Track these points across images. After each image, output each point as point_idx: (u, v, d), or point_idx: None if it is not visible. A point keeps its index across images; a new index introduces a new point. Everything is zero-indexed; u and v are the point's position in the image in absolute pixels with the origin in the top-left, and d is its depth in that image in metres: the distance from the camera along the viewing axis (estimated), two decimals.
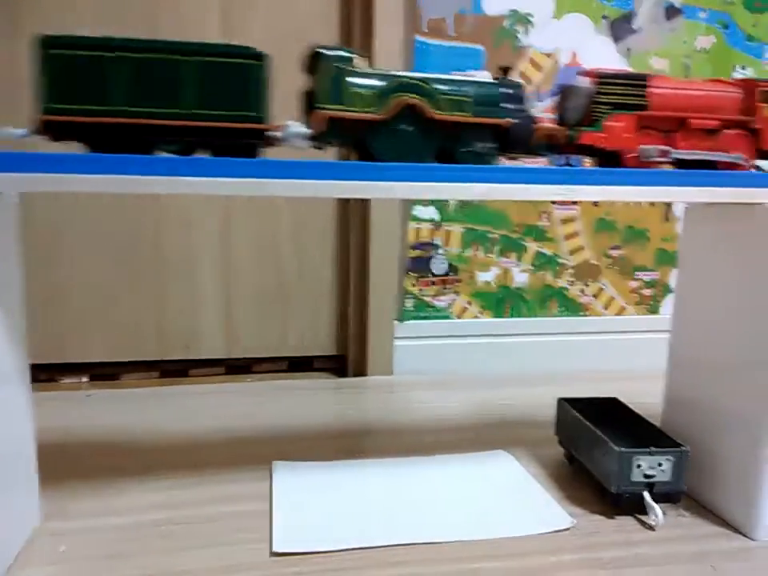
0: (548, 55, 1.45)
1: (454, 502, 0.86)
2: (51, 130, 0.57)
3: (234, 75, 0.60)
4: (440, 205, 1.43)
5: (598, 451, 0.84)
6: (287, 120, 0.65)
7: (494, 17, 1.40)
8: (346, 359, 1.48)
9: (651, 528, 0.82)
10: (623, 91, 0.72)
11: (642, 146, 0.73)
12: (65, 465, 0.94)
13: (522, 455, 1.00)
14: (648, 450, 0.80)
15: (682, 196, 0.75)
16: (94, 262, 1.33)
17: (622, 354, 1.58)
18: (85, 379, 1.38)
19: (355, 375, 1.46)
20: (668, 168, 0.75)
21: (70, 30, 0.59)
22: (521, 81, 0.72)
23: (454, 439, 1.07)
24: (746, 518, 0.80)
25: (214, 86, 0.60)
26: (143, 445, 1.02)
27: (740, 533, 0.81)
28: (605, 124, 0.71)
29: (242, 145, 0.61)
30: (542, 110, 1.41)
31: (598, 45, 1.49)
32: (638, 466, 0.81)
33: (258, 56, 0.61)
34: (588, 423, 0.87)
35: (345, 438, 1.08)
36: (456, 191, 0.68)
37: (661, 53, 1.54)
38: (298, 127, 0.63)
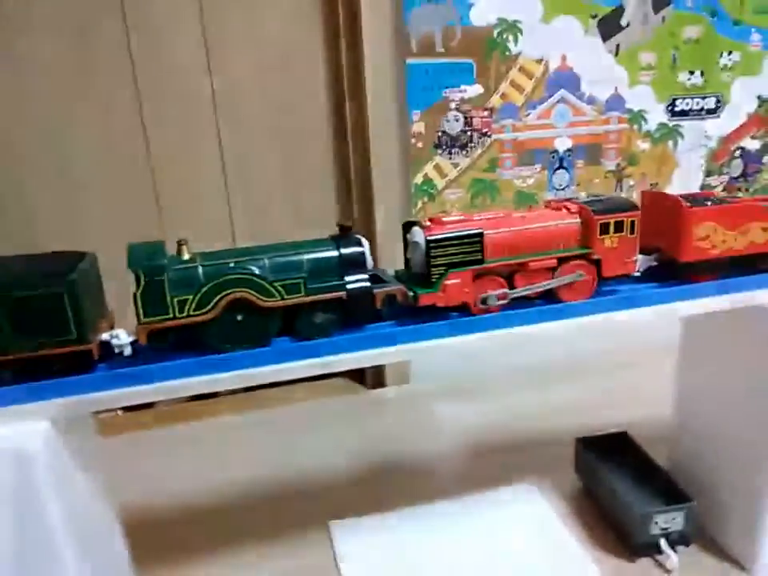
0: (538, 61, 1.39)
1: (495, 555, 0.89)
2: None
3: (46, 304, 0.60)
4: None
5: (620, 507, 0.91)
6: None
7: (482, 28, 1.34)
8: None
9: (668, 571, 0.87)
10: (458, 250, 0.68)
11: (481, 295, 0.69)
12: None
13: (544, 483, 1.02)
14: (665, 508, 0.87)
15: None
16: None
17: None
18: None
19: (373, 385, 1.44)
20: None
21: None
22: (359, 239, 0.68)
23: (484, 469, 1.08)
24: (750, 556, 0.86)
25: (30, 316, 0.60)
26: (191, 507, 1.01)
27: (745, 569, 0.87)
28: (443, 283, 0.67)
29: (69, 364, 0.61)
30: (536, 117, 1.36)
31: (587, 45, 1.43)
32: (656, 523, 0.86)
33: (65, 282, 0.60)
34: (608, 476, 0.94)
35: (379, 477, 1.08)
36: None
37: (649, 46, 1.46)
38: (122, 339, 0.62)
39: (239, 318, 0.65)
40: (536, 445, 1.13)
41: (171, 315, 0.64)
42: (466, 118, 1.37)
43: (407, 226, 0.72)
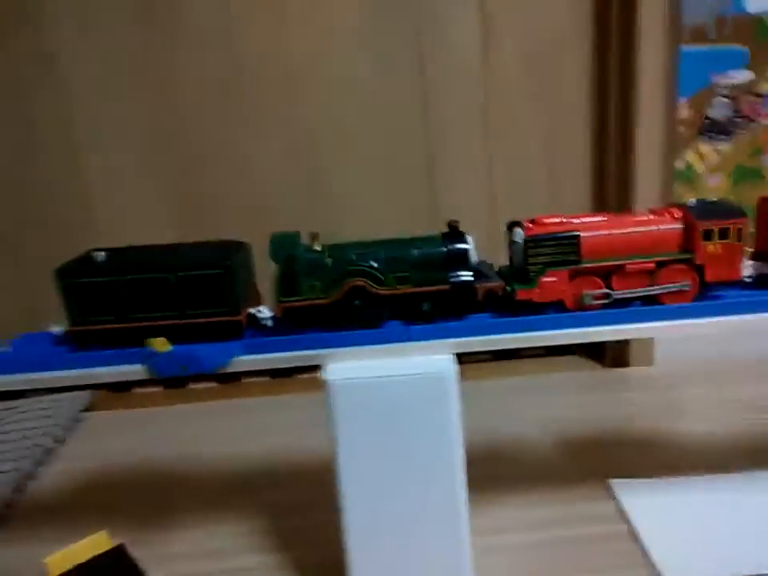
0: None
1: None
2: (79, 338, 0.73)
3: (206, 283, 0.71)
4: None
5: None
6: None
7: (757, 15, 1.26)
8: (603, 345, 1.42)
9: None
10: (554, 250, 0.69)
11: (582, 293, 0.69)
12: None
13: None
14: None
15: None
16: None
17: None
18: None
19: (614, 364, 1.39)
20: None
21: None
22: (466, 236, 0.72)
23: (747, 451, 1.00)
24: None
25: (196, 291, 0.72)
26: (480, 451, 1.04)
27: None
28: (539, 280, 0.69)
29: (223, 331, 0.72)
30: None
31: None
32: None
33: (224, 266, 0.71)
34: None
35: (631, 445, 1.06)
36: None
37: None
38: (265, 314, 0.72)
39: (357, 302, 0.71)
40: None
41: (302, 297, 0.71)
42: (733, 104, 1.30)
43: (511, 226, 0.73)
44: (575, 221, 0.72)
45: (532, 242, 0.70)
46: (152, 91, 1.26)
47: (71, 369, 0.73)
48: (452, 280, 0.72)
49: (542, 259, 0.71)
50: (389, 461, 0.70)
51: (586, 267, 0.71)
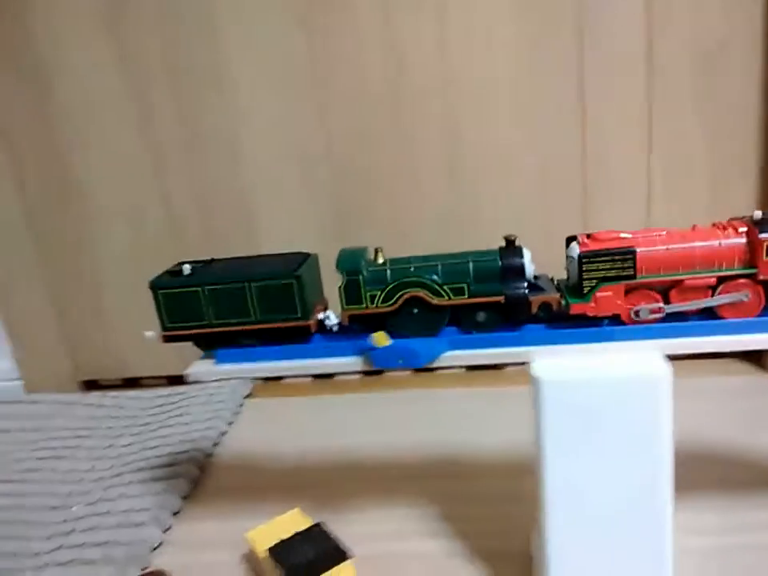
0: None
1: None
2: (169, 340, 0.79)
3: (280, 291, 0.76)
4: None
5: None
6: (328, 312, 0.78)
7: None
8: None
9: None
10: (610, 266, 0.67)
11: (634, 308, 0.67)
12: None
13: None
14: None
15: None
16: None
17: None
18: None
19: None
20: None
21: None
22: (522, 250, 0.72)
23: None
24: None
25: (269, 299, 0.76)
26: None
27: None
28: (594, 295, 0.68)
29: (294, 335, 0.78)
30: None
31: None
32: None
33: (293, 276, 0.76)
34: None
35: None
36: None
37: None
38: (332, 320, 0.75)
39: (415, 311, 0.73)
40: None
41: (365, 305, 0.74)
42: None
43: (569, 241, 0.72)
44: (632, 236, 0.69)
45: (586, 257, 0.69)
46: (311, 104, 1.27)
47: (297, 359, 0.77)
48: (506, 292, 0.72)
49: (596, 274, 0.69)
50: (595, 459, 0.67)
51: (642, 282, 0.68)
